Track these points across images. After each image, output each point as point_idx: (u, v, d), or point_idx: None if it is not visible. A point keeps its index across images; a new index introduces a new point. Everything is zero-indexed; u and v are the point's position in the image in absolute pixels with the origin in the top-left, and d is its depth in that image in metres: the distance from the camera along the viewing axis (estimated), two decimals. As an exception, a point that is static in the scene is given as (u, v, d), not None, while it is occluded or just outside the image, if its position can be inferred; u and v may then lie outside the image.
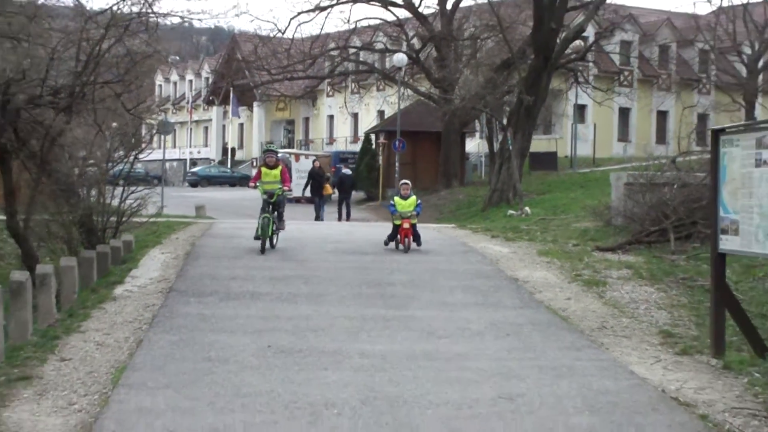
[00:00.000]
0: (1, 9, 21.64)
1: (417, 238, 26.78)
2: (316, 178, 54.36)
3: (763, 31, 74.22)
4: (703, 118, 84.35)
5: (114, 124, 29.38)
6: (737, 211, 15.74)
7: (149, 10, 24.24)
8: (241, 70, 55.42)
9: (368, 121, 74.67)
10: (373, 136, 62.14)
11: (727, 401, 14.60)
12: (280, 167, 26.37)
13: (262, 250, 25.22)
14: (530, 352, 17.44)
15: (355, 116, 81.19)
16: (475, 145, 58.96)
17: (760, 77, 77.93)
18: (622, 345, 18.20)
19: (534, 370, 15.98)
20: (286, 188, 26.19)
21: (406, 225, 24.75)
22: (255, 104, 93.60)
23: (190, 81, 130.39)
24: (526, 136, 48.49)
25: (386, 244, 26.22)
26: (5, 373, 14.83)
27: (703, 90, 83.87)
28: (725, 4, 73.97)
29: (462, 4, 60.54)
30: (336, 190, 53.62)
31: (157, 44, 29.77)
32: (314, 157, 62.29)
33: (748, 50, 76.74)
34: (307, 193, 55.13)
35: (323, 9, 58.35)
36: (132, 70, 25.92)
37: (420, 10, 59.31)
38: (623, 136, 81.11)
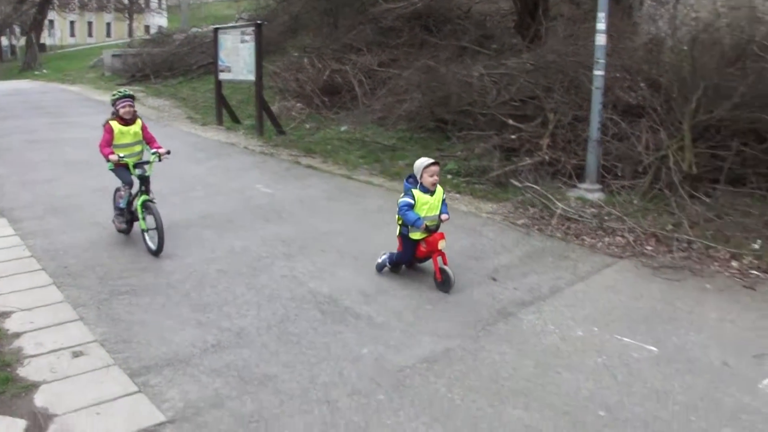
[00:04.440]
0: None
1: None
2: None
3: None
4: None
5: None
6: (230, 62, 17.37)
7: None
8: None
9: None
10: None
11: (243, 142, 15.83)
12: (139, 120, 8.88)
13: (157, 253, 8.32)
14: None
15: None
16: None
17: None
18: (177, 123, 18.67)
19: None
20: (163, 152, 8.70)
21: (441, 244, 7.18)
22: None
23: None
24: (38, 37, 46.62)
25: (395, 269, 7.74)
26: None
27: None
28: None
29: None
30: None
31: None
32: None
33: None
34: None
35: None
36: None
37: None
38: (73, 34, 74.99)
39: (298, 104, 18.97)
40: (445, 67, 14.61)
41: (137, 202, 8.44)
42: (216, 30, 18.09)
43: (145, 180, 8.44)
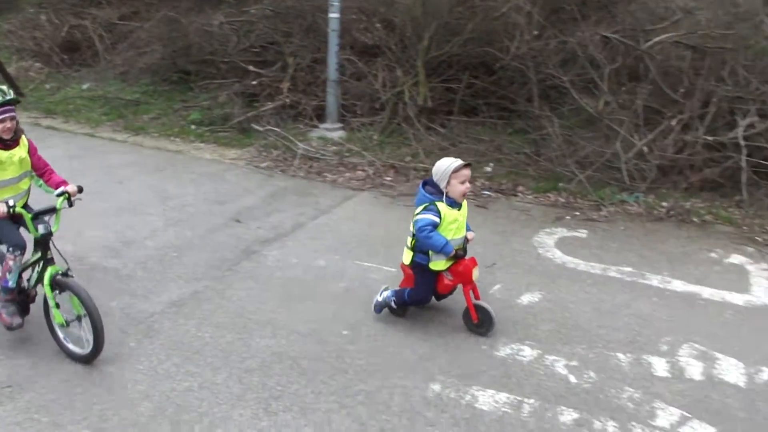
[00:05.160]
0: None
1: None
2: None
3: None
4: None
5: None
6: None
7: None
8: None
9: None
10: None
11: None
12: (24, 140, 5.12)
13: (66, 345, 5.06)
14: None
15: None
16: None
17: None
18: None
19: None
20: (73, 191, 5.13)
21: (475, 274, 5.20)
22: None
23: None
24: None
25: (399, 312, 5.56)
26: None
27: None
28: None
29: None
30: None
31: None
32: None
33: None
34: None
35: None
36: None
37: None
38: None
39: (37, 64, 17.87)
40: (186, 17, 14.32)
41: (43, 278, 4.99)
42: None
43: (46, 241, 5.04)
